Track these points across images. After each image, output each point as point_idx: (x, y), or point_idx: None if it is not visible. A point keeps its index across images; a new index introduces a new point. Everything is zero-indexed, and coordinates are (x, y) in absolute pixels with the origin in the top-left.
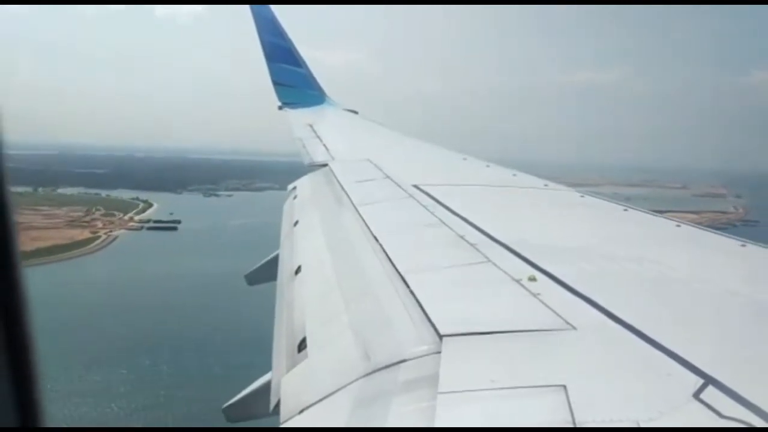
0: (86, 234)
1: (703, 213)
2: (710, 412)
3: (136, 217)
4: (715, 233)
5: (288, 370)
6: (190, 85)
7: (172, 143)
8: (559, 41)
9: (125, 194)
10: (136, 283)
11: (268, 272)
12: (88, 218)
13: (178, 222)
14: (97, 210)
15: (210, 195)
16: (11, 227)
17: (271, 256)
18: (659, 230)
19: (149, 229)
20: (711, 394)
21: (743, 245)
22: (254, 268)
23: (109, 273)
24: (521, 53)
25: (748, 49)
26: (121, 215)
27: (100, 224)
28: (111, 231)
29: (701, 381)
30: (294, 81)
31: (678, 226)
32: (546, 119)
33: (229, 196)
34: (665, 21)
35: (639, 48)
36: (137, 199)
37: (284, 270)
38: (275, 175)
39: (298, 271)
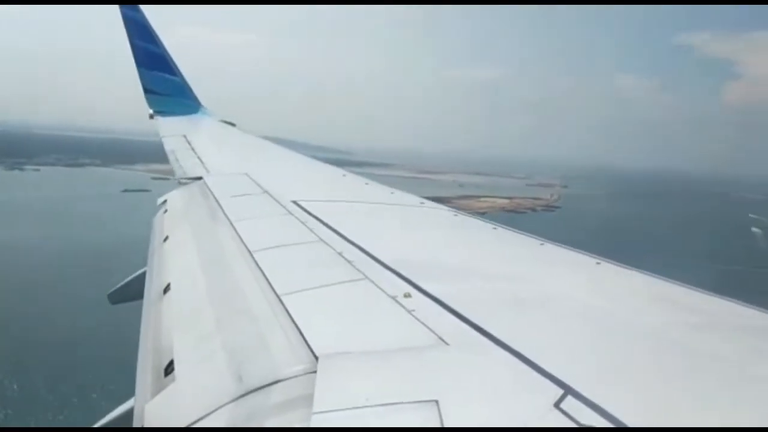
0: None
1: (516, 199)
2: (569, 421)
3: None
4: (581, 252)
5: (153, 396)
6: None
7: (19, 117)
8: (440, 38)
9: None
10: None
11: (133, 290)
12: None
13: None
14: None
15: (13, 169)
16: None
17: (137, 273)
18: (525, 249)
19: None
20: (570, 403)
21: (598, 263)
22: (117, 286)
23: None
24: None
25: (615, 55)
26: None
27: None
28: None
29: (561, 391)
30: (167, 89)
31: (542, 244)
32: (421, 112)
33: (36, 170)
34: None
35: (521, 48)
36: None
37: (151, 288)
38: (107, 153)
39: (167, 289)
